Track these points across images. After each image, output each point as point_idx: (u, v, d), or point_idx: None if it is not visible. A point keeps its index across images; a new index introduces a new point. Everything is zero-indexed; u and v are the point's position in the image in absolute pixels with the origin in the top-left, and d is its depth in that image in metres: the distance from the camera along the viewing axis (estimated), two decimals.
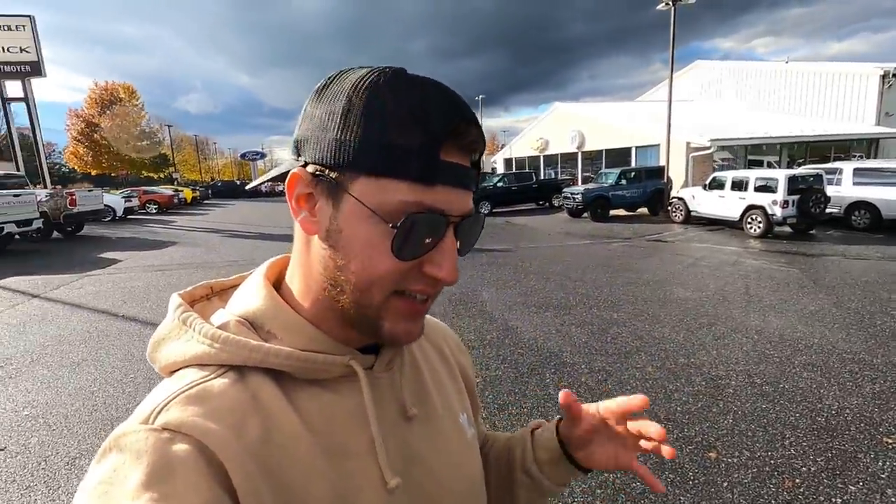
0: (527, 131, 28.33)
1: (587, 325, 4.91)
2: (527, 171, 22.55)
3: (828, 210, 10.68)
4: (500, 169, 30.06)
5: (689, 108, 23.68)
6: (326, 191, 0.44)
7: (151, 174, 42.87)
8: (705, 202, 12.57)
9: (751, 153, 17.49)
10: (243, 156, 64.20)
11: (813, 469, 2.49)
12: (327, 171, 0.43)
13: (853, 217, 11.12)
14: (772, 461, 2.56)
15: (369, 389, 0.48)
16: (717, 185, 12.18)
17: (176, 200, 26.47)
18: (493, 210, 18.01)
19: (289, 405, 0.44)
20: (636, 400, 0.54)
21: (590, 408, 0.58)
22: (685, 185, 15.78)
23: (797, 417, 2.99)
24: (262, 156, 67.89)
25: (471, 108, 0.45)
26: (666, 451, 0.53)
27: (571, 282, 6.86)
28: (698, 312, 5.25)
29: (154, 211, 24.39)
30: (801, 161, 17.80)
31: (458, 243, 0.46)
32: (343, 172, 0.43)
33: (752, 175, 11.34)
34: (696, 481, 2.43)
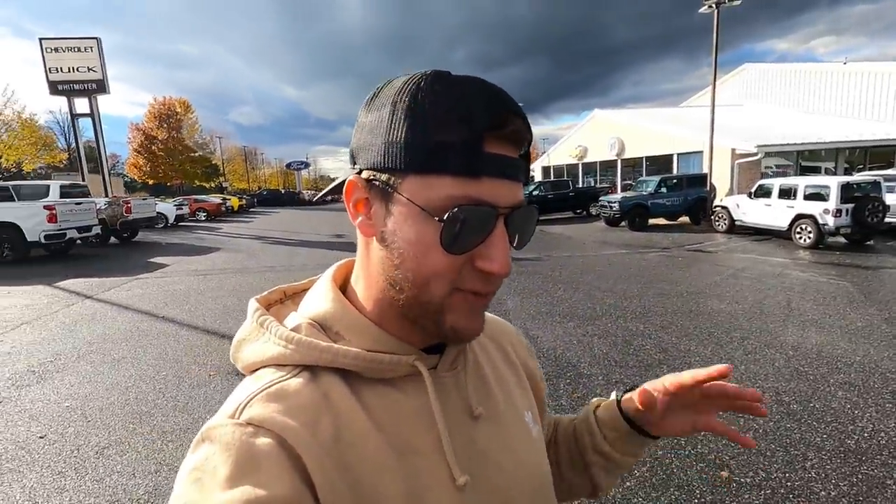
0: (565, 139, 27.98)
1: (610, 337, 4.79)
2: (563, 179, 22.26)
3: (887, 219, 9.98)
4: (538, 177, 29.79)
5: (736, 114, 22.72)
6: (380, 194, 0.46)
7: (203, 184, 45.19)
8: (750, 211, 11.99)
9: (806, 159, 16.59)
10: (289, 165, 66.78)
11: (833, 494, 2.33)
12: (379, 174, 0.45)
13: None
14: (788, 483, 2.42)
15: (434, 388, 0.49)
16: (764, 192, 11.61)
17: (224, 208, 27.77)
18: None
19: (357, 404, 0.46)
20: (716, 369, 0.53)
21: (657, 388, 0.59)
22: (730, 193, 15.13)
23: (824, 439, 2.81)
24: (307, 165, 70.33)
25: (515, 100, 0.45)
26: (760, 410, 0.56)
27: (600, 292, 6.71)
28: (731, 326, 5.02)
29: (203, 218, 25.67)
30: (860, 167, 16.71)
31: (513, 236, 0.47)
32: (393, 174, 0.45)
33: (802, 182, 10.74)
34: (703, 500, 2.33)
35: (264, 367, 0.49)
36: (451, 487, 0.47)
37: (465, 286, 0.45)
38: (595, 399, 0.70)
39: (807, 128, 18.23)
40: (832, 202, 9.75)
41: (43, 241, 10.73)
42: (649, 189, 14.76)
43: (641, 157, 21.16)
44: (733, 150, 15.54)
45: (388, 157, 0.44)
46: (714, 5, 13.45)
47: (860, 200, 9.66)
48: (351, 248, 12.36)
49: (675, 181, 14.96)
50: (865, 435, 2.83)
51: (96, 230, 12.41)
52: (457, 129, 0.42)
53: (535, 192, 18.50)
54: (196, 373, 4.14)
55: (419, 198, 0.43)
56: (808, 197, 10.38)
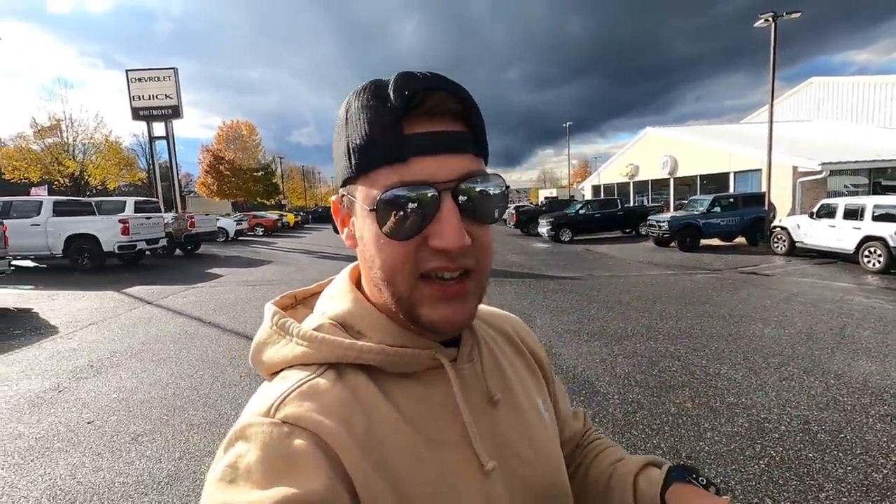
0: (616, 157, 27.41)
1: (636, 357, 4.65)
2: (612, 197, 21.75)
3: None
4: (588, 195, 29.27)
5: (802, 129, 21.41)
6: (349, 206, 0.50)
7: (264, 201, 47.82)
8: (812, 232, 11.22)
9: (889, 178, 15.30)
10: (336, 186, 69.23)
11: None
12: (344, 190, 0.50)
13: None
14: None
15: (457, 379, 0.51)
16: (827, 213, 10.84)
17: (279, 224, 29.28)
18: (574, 238, 17.56)
19: (384, 399, 0.47)
20: None
21: None
22: (792, 213, 14.22)
23: (847, 471, 2.61)
24: None
25: (442, 76, 0.45)
26: None
27: (636, 312, 6.51)
28: (771, 351, 4.74)
29: (260, 233, 27.14)
30: None
31: (469, 208, 0.45)
32: (349, 185, 0.48)
33: (870, 202, 9.96)
34: None
35: (288, 367, 0.49)
36: (479, 473, 0.48)
37: (428, 268, 0.45)
38: (642, 458, 0.65)
39: (879, 144, 16.88)
40: None
41: (116, 251, 11.78)
42: (701, 208, 14.15)
43: (696, 176, 20.34)
44: (795, 167, 14.65)
45: (342, 172, 0.48)
46: (771, 19, 12.90)
47: None
48: None
49: (730, 200, 14.26)
50: None
51: (163, 242, 13.47)
52: (376, 122, 0.44)
53: (581, 211, 18.21)
54: (230, 373, 4.43)
55: (366, 198, 0.46)
56: (877, 218, 9.61)
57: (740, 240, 14.37)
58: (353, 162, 0.46)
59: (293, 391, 0.45)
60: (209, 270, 12.17)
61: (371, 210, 0.45)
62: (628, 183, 25.60)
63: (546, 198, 39.72)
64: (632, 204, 23.45)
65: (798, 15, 12.88)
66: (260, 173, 44.96)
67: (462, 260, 0.45)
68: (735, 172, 17.91)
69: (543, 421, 0.60)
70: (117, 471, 2.83)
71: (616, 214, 18.41)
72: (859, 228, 9.88)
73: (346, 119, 0.47)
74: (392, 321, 0.51)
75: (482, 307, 0.66)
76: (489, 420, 0.53)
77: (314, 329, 0.50)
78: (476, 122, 0.47)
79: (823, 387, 3.80)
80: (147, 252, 13.27)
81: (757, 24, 13.38)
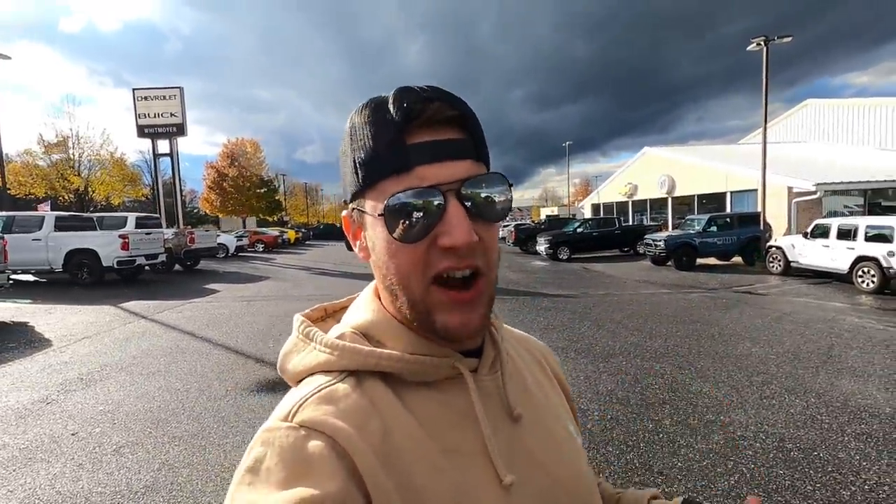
0: (615, 176, 27.62)
1: (620, 375, 4.68)
2: (610, 216, 21.88)
3: None
4: (588, 214, 29.42)
5: (797, 151, 21.61)
6: (360, 219, 0.52)
7: (267, 217, 48.21)
8: (807, 252, 11.25)
9: (888, 198, 15.37)
10: (346, 201, 69.67)
11: None
12: (353, 203, 0.51)
13: None
14: None
15: (477, 390, 0.51)
16: (821, 233, 10.89)
17: (280, 241, 29.47)
18: (572, 256, 17.62)
19: (403, 407, 0.48)
20: None
21: None
22: (788, 233, 14.27)
23: (817, 488, 2.63)
24: None
25: (438, 87, 0.48)
26: None
27: (626, 330, 6.54)
28: (755, 370, 4.75)
29: (261, 249, 27.30)
30: None
31: (474, 207, 0.47)
32: (358, 198, 0.50)
33: (863, 223, 10.01)
34: None
35: (311, 374, 0.51)
36: (497, 487, 0.47)
37: (438, 268, 0.46)
38: (650, 492, 0.66)
39: (875, 165, 17.01)
40: None
41: (115, 266, 11.89)
42: (698, 227, 14.23)
43: (693, 195, 20.47)
44: (790, 188, 14.76)
45: (350, 187, 0.50)
46: (762, 42, 13.16)
47: None
48: None
49: (726, 220, 14.35)
50: (866, 488, 2.62)
51: (162, 258, 13.60)
52: (379, 135, 0.46)
53: (579, 229, 18.31)
54: (217, 388, 4.47)
55: (375, 208, 0.47)
56: (869, 238, 9.65)
57: (737, 259, 14.39)
58: (360, 176, 0.48)
59: (312, 396, 0.47)
60: (206, 286, 12.25)
61: (380, 216, 0.47)
62: (627, 202, 25.75)
63: (546, 216, 39.84)
64: (630, 223, 23.57)
65: (789, 39, 13.14)
66: (262, 190, 45.40)
67: (470, 258, 0.47)
68: (732, 192, 18.03)
69: (574, 441, 0.59)
70: (96, 481, 2.86)
71: (614, 233, 18.49)
72: (853, 249, 9.92)
73: (350, 136, 0.49)
74: (410, 330, 0.51)
75: (512, 330, 0.70)
76: (510, 434, 0.52)
77: (336, 338, 0.52)
78: (474, 130, 0.49)
79: (803, 405, 3.82)
80: (146, 267, 13.39)
81: (749, 47, 13.65)
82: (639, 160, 25.02)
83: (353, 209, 0.52)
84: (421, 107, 0.45)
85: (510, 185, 0.50)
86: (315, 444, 0.42)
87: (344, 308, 0.62)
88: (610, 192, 27.73)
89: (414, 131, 0.46)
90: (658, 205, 23.54)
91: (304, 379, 0.52)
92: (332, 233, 46.19)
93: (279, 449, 0.42)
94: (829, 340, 5.83)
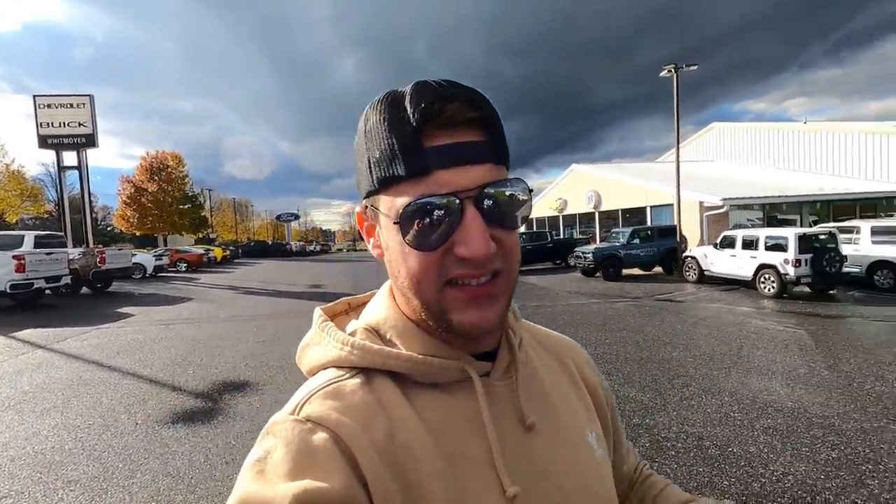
0: (546, 192, 28.74)
1: None
2: (542, 230, 22.68)
3: (845, 269, 10.23)
4: (522, 229, 30.26)
5: (707, 169, 23.65)
6: (374, 217, 0.50)
7: (191, 235, 45.31)
8: (718, 261, 12.24)
9: (780, 212, 17.13)
10: (278, 217, 67.46)
11: None
12: (368, 200, 0.50)
13: (875, 277, 10.58)
14: None
15: (485, 395, 0.49)
16: (728, 243, 11.90)
17: (206, 259, 27.73)
18: None
19: (410, 407, 0.47)
20: None
21: None
22: (700, 243, 15.48)
23: (731, 482, 2.78)
24: (297, 217, 71.12)
25: (458, 84, 0.45)
26: None
27: None
28: (677, 373, 5.03)
29: (184, 269, 25.54)
30: (815, 220, 17.25)
31: (493, 215, 0.45)
32: (373, 196, 0.49)
33: (762, 234, 11.06)
34: None
35: (324, 368, 0.52)
36: (501, 497, 0.46)
37: (453, 275, 0.45)
38: (689, 496, 0.64)
39: (773, 182, 18.96)
40: (791, 252, 10.01)
41: (8, 290, 10.60)
42: (622, 240, 15.07)
43: (618, 210, 21.73)
44: (701, 202, 16.06)
45: (365, 185, 0.49)
46: (672, 70, 14.34)
47: (818, 251, 9.94)
48: (327, 298, 12.23)
49: (647, 232, 15.31)
50: (773, 479, 2.82)
51: (66, 280, 12.31)
52: (396, 134, 0.44)
53: None
54: (124, 422, 4.03)
55: (390, 210, 0.46)
56: (769, 248, 10.65)
57: (658, 269, 15.37)
58: (375, 176, 0.47)
59: (319, 390, 0.47)
60: (119, 309, 11.21)
61: (395, 223, 0.45)
62: (558, 216, 26.86)
63: None
64: (561, 236, 24.57)
65: (695, 68, 14.42)
66: (186, 206, 42.73)
67: (488, 266, 0.45)
68: (651, 207, 19.33)
69: (593, 456, 0.56)
70: None
71: (546, 246, 19.16)
72: (755, 258, 10.91)
73: (366, 132, 0.47)
74: (423, 331, 0.51)
75: (541, 329, 0.69)
76: (521, 443, 0.50)
77: (349, 334, 0.52)
78: (495, 130, 0.47)
79: (718, 404, 4.07)
80: (47, 291, 12.06)
81: (662, 73, 14.82)
82: (568, 176, 26.25)
83: (368, 206, 0.51)
84: (439, 107, 0.43)
85: (530, 191, 0.49)
86: (320, 438, 0.43)
87: (366, 303, 0.61)
88: (541, 207, 28.80)
89: (431, 132, 0.44)
90: (586, 219, 24.74)
91: (318, 372, 0.52)
92: (264, 250, 44.28)
93: (285, 441, 0.43)
94: (739, 342, 6.32)
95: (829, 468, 2.92)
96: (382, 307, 0.54)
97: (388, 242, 0.49)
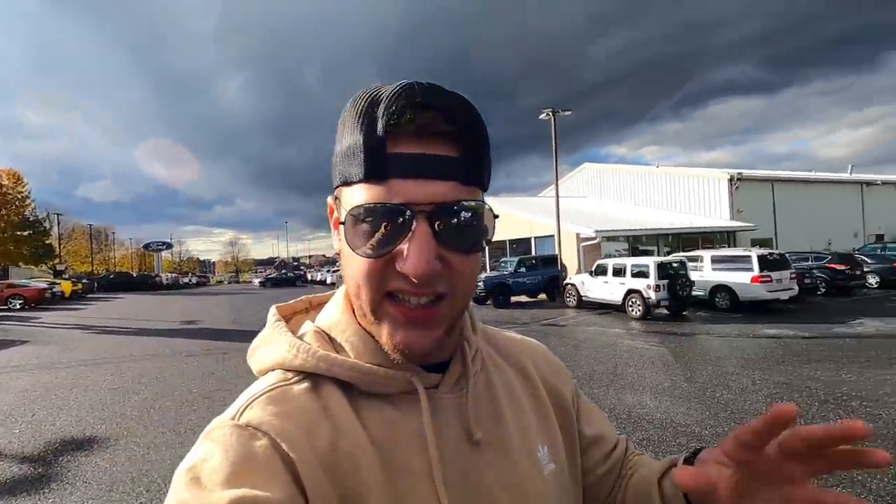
0: None
1: None
2: None
3: (693, 293, 11.81)
4: None
5: (583, 204, 26.17)
6: (338, 211, 0.48)
7: (31, 266, 38.50)
8: (594, 288, 13.40)
9: (640, 244, 19.36)
10: (146, 246, 60.23)
11: None
12: (335, 192, 0.48)
13: (716, 299, 12.34)
14: None
15: (429, 408, 0.47)
16: (601, 271, 13.13)
17: (49, 294, 23.54)
18: None
19: (355, 417, 0.46)
20: (775, 411, 0.35)
21: (716, 457, 0.42)
22: (578, 271, 16.89)
23: None
24: (169, 246, 64.19)
25: (443, 91, 0.42)
26: (879, 456, 0.34)
27: None
28: None
29: (18, 307, 21.43)
30: (668, 250, 19.92)
31: (445, 236, 0.42)
32: (338, 190, 0.47)
33: (629, 262, 12.39)
34: None
35: (272, 370, 0.50)
36: None
37: (392, 287, 0.44)
38: (670, 458, 0.58)
39: (634, 217, 21.53)
40: (652, 279, 11.31)
41: None
42: (510, 269, 15.90)
43: (505, 240, 22.99)
44: (578, 234, 17.64)
45: (334, 176, 0.47)
46: (550, 113, 15.81)
47: (672, 277, 11.36)
48: (203, 334, 11.04)
49: (532, 262, 16.35)
50: None
51: None
52: (363, 134, 0.42)
53: None
54: None
55: (344, 209, 0.45)
56: (635, 275, 11.94)
57: (542, 296, 16.41)
58: (339, 171, 0.46)
59: (263, 394, 0.46)
60: None
61: (341, 223, 0.45)
62: None
63: None
64: None
65: (569, 113, 16.10)
66: (27, 232, 36.44)
67: (429, 287, 0.43)
68: (535, 238, 20.76)
69: (539, 472, 0.53)
70: None
71: None
72: (624, 284, 12.15)
73: (342, 124, 0.46)
74: (372, 338, 0.49)
75: (501, 333, 0.67)
76: (464, 458, 0.48)
77: (299, 335, 0.51)
78: (472, 148, 0.44)
79: None
80: None
81: (541, 116, 16.27)
82: None
83: (336, 198, 0.49)
84: (412, 114, 0.41)
85: (495, 216, 0.47)
86: (260, 444, 0.41)
87: (326, 302, 0.59)
88: None
89: (399, 139, 0.42)
90: None
91: (266, 374, 0.50)
92: (127, 283, 39.03)
93: (223, 447, 0.41)
94: (614, 361, 6.88)
95: None
96: (337, 310, 0.53)
97: (341, 241, 0.47)
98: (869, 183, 27.33)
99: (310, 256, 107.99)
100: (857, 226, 26.15)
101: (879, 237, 25.33)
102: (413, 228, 0.42)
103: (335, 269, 43.29)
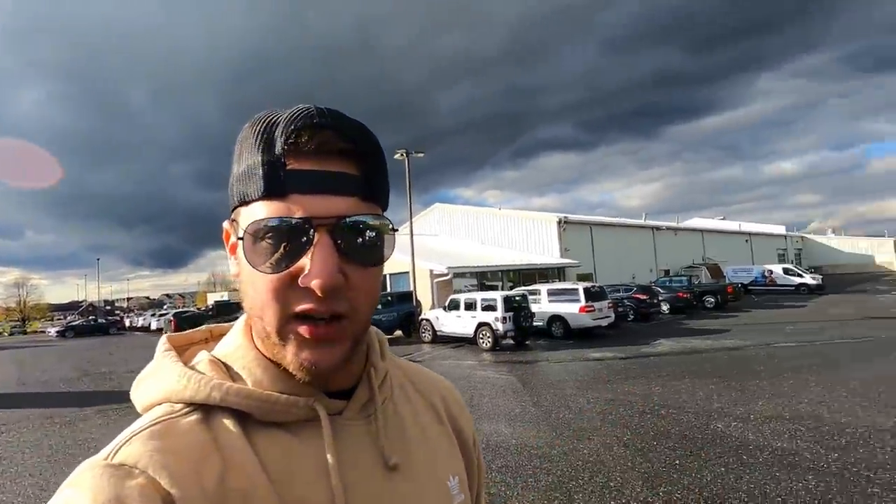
0: None
1: None
2: None
3: (535, 323, 13.01)
4: None
5: (435, 242, 27.32)
6: (235, 233, 0.46)
7: None
8: (447, 322, 13.89)
9: (487, 280, 20.76)
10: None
11: None
12: (232, 214, 0.47)
13: (552, 328, 13.75)
14: None
15: (332, 435, 0.45)
16: (454, 306, 13.72)
17: None
18: None
19: (250, 449, 0.43)
20: None
21: None
22: (433, 307, 17.39)
23: None
24: None
25: (338, 114, 0.44)
26: None
27: None
28: None
29: None
30: (511, 285, 21.87)
31: (346, 248, 0.43)
32: (234, 211, 0.46)
33: (479, 296, 13.18)
34: None
35: (158, 404, 0.46)
36: None
37: (297, 307, 0.42)
38: None
39: (481, 254, 23.18)
40: (499, 312, 12.18)
41: None
42: None
43: None
44: (431, 270, 18.28)
45: (231, 197, 0.46)
46: (404, 154, 16.42)
47: (516, 310, 12.38)
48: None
49: (387, 298, 16.34)
50: None
51: None
52: (261, 154, 0.42)
53: None
54: None
55: (245, 227, 0.43)
56: (484, 308, 12.73)
57: (398, 332, 16.44)
58: (236, 190, 0.45)
59: (145, 430, 0.42)
60: None
61: (239, 238, 0.44)
62: None
63: (215, 302, 36.52)
64: None
65: (422, 155, 16.92)
66: None
67: (333, 303, 0.42)
68: (391, 274, 20.87)
69: (450, 501, 0.52)
70: None
71: None
72: (475, 317, 12.84)
73: (238, 145, 0.46)
74: (272, 364, 0.47)
75: (412, 365, 0.66)
76: (377, 487, 0.47)
77: (190, 366, 0.48)
78: (370, 165, 0.46)
79: None
80: None
81: (395, 156, 16.77)
82: None
83: (233, 221, 0.48)
84: (309, 134, 0.42)
85: (394, 230, 0.47)
86: (133, 485, 0.37)
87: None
88: None
89: (298, 158, 0.43)
90: None
91: (151, 410, 0.46)
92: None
93: (89, 492, 0.37)
94: (470, 392, 7.13)
95: (549, 491, 3.44)
96: (237, 336, 0.50)
97: (241, 262, 0.46)
98: (658, 228, 33.81)
99: (128, 299, 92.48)
100: (651, 262, 31.90)
101: (667, 272, 31.26)
102: (315, 242, 0.42)
103: (162, 312, 37.51)
